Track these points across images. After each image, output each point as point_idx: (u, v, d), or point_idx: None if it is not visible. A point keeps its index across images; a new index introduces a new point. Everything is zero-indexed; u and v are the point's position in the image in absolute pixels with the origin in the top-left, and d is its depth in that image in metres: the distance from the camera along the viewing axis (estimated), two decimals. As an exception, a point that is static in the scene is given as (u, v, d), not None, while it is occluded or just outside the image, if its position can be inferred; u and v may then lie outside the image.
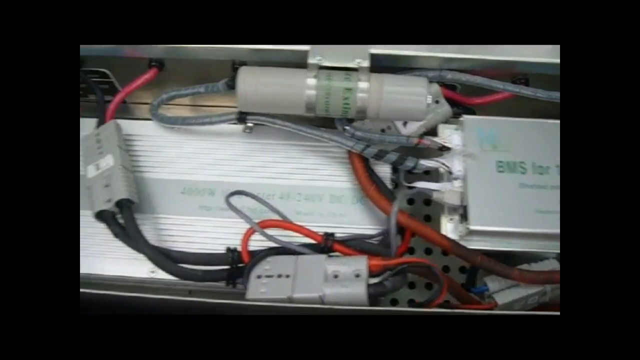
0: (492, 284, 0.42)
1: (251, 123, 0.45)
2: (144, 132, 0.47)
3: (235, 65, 0.45)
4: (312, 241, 0.41)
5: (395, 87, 0.41)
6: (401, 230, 0.43)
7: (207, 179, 0.46)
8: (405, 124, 0.45)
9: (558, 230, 0.39)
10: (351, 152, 0.44)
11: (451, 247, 0.40)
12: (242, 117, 0.44)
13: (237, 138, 0.47)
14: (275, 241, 0.40)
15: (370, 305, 0.38)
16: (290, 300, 0.37)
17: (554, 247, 0.41)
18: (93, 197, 0.42)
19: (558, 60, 0.42)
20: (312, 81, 0.40)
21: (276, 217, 0.43)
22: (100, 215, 0.42)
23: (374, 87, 0.40)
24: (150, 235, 0.43)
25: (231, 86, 0.44)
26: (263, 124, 0.44)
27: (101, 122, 0.46)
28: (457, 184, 0.42)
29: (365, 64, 0.41)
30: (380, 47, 0.42)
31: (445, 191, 0.42)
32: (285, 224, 0.41)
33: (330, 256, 0.40)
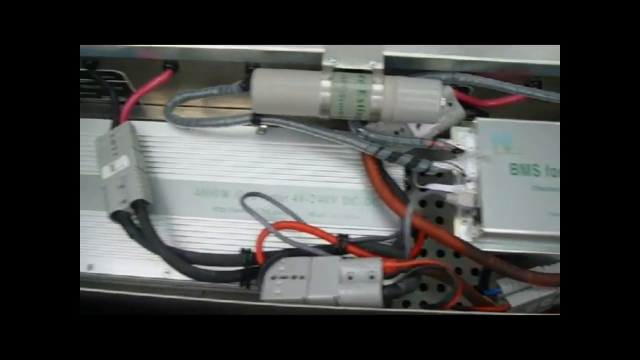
0: (505, 286, 0.42)
1: (265, 125, 0.45)
2: (158, 133, 0.48)
3: (249, 67, 0.45)
4: (326, 242, 0.41)
5: (409, 90, 0.41)
6: (414, 232, 0.43)
7: (220, 180, 0.46)
8: (418, 126, 0.45)
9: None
10: (364, 154, 0.44)
11: (464, 249, 0.41)
12: (256, 119, 0.44)
13: (250, 140, 0.47)
14: (289, 242, 0.41)
15: (384, 307, 0.38)
16: (305, 301, 0.38)
17: (567, 250, 0.41)
18: (108, 198, 0.43)
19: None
20: (326, 83, 0.41)
21: (290, 218, 0.43)
22: (116, 216, 0.42)
23: (388, 90, 0.40)
24: (164, 236, 0.43)
25: (245, 88, 0.44)
26: (277, 126, 0.44)
27: (115, 124, 0.46)
28: (470, 186, 0.42)
29: (379, 66, 0.41)
30: (394, 50, 0.42)
31: (458, 193, 0.42)
32: (300, 225, 0.42)
33: (344, 258, 0.40)
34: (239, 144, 0.47)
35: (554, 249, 0.41)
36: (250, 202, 0.43)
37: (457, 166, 0.42)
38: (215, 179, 0.46)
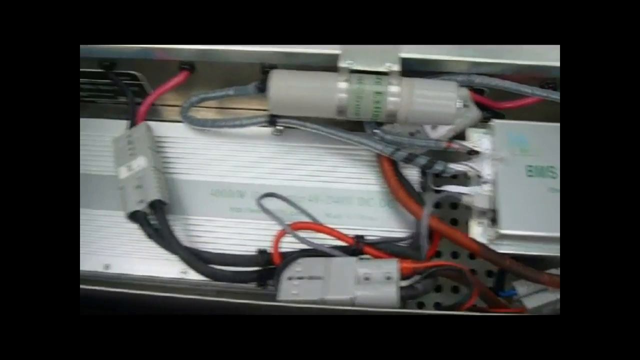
0: (521, 288, 0.42)
1: (281, 126, 0.45)
2: (174, 134, 0.48)
3: (264, 69, 0.45)
4: (343, 243, 0.42)
5: (425, 91, 0.41)
6: (429, 233, 0.43)
7: (236, 180, 0.46)
8: (434, 127, 0.45)
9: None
10: (380, 155, 0.44)
11: (480, 251, 0.41)
12: (272, 120, 0.45)
13: (266, 140, 0.47)
14: (306, 243, 0.41)
15: (400, 308, 0.38)
16: (322, 302, 0.38)
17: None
18: (125, 198, 0.43)
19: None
20: (343, 85, 0.41)
21: (306, 219, 0.44)
22: (134, 216, 0.42)
23: (405, 91, 0.41)
24: (180, 236, 0.43)
25: (261, 89, 0.44)
26: (293, 127, 0.45)
27: (132, 124, 0.47)
28: (486, 187, 0.42)
29: (396, 67, 0.41)
30: (410, 51, 0.43)
31: (474, 195, 0.42)
32: (316, 226, 0.42)
33: (360, 259, 0.40)
34: (255, 144, 0.47)
35: (570, 251, 0.41)
36: (267, 202, 0.43)
37: (473, 168, 0.42)
38: (231, 180, 0.46)
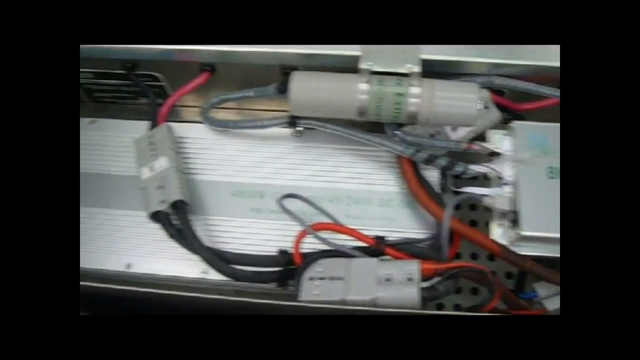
0: (542, 290, 0.42)
1: (301, 127, 0.45)
2: (194, 134, 0.48)
3: (284, 70, 0.45)
4: (363, 244, 0.42)
5: (446, 93, 0.41)
6: (450, 234, 0.43)
7: (257, 181, 0.47)
8: (454, 129, 0.45)
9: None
10: (400, 156, 0.44)
11: (501, 253, 0.41)
12: (292, 121, 0.45)
13: (286, 142, 0.47)
14: (327, 244, 0.41)
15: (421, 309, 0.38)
16: (343, 302, 0.38)
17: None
18: (148, 198, 0.43)
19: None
20: (364, 86, 0.41)
21: (326, 220, 0.44)
22: (156, 216, 0.43)
23: (426, 93, 0.41)
24: (201, 236, 0.43)
25: (282, 90, 0.44)
26: (313, 128, 0.45)
27: (153, 125, 0.47)
28: (507, 189, 0.42)
29: (417, 69, 0.41)
30: (431, 52, 0.43)
31: (495, 196, 0.42)
32: (337, 226, 0.42)
33: (381, 259, 0.40)
34: (275, 145, 0.47)
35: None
36: (287, 203, 0.44)
37: (493, 169, 0.42)
38: (251, 180, 0.47)
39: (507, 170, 0.42)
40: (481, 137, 0.44)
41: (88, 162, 0.48)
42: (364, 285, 0.38)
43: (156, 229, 0.44)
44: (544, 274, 0.40)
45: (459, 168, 0.43)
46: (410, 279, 0.39)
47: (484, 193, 0.42)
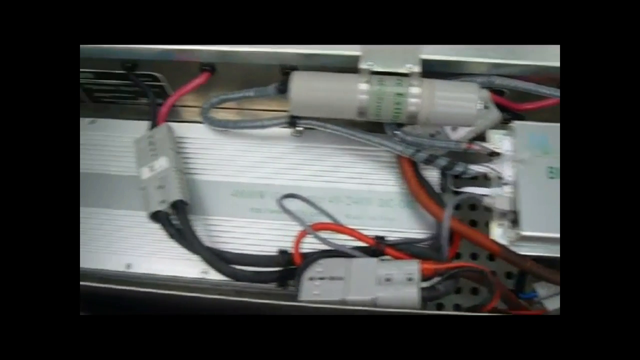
0: (542, 290, 0.42)
1: (301, 127, 0.45)
2: (194, 134, 0.48)
3: (285, 70, 0.45)
4: (363, 244, 0.42)
5: (446, 93, 0.41)
6: (450, 234, 0.43)
7: (256, 181, 0.47)
8: (454, 129, 0.45)
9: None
10: (400, 156, 0.44)
11: (501, 253, 0.41)
12: (292, 121, 0.45)
13: (286, 141, 0.47)
14: (327, 244, 0.41)
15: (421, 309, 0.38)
16: (343, 302, 0.38)
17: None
18: (148, 198, 0.43)
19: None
20: (364, 86, 0.41)
21: (326, 220, 0.44)
22: (156, 216, 0.43)
23: (426, 93, 0.41)
24: (201, 236, 0.43)
25: (282, 90, 0.44)
26: (313, 128, 0.45)
27: (153, 125, 0.47)
28: (507, 189, 0.42)
29: (416, 69, 0.41)
30: (430, 52, 0.43)
31: (495, 196, 0.42)
32: (337, 227, 0.42)
33: (381, 259, 0.40)
34: (275, 145, 0.47)
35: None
36: (287, 203, 0.44)
37: (493, 169, 0.42)
38: (251, 181, 0.47)
39: (507, 170, 0.42)
40: (481, 137, 0.44)
41: (88, 162, 0.48)
42: (364, 285, 0.38)
43: (156, 229, 0.44)
44: (544, 274, 0.40)
45: (459, 168, 0.43)
46: (410, 279, 0.39)
47: (484, 193, 0.42)
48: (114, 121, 0.50)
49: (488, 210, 0.43)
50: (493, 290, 0.39)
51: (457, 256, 0.51)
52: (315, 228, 0.41)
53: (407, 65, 0.42)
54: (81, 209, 0.46)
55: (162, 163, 0.44)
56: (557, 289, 0.42)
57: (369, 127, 0.45)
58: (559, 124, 0.43)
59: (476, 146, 0.43)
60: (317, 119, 0.44)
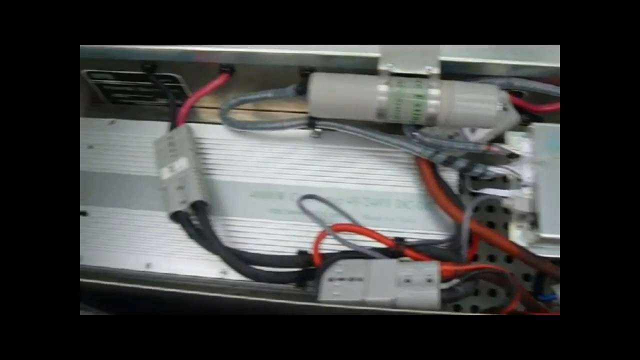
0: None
1: (320, 128, 0.46)
2: (214, 135, 0.48)
3: (303, 72, 0.45)
4: (382, 245, 0.42)
5: (466, 95, 0.41)
6: (469, 236, 0.43)
7: (275, 182, 0.47)
8: (473, 130, 0.45)
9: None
10: (419, 158, 0.44)
11: (521, 254, 0.41)
12: (311, 122, 0.45)
13: (305, 143, 0.48)
14: (347, 245, 0.41)
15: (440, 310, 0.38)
16: (363, 303, 0.38)
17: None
18: (168, 198, 0.44)
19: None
20: (383, 88, 0.41)
21: (345, 221, 0.44)
22: (176, 216, 0.43)
23: (445, 94, 0.41)
24: (220, 236, 0.43)
25: (300, 92, 0.44)
26: (332, 129, 0.45)
27: (173, 126, 0.47)
28: (526, 191, 0.42)
29: (436, 71, 0.42)
30: (450, 54, 0.43)
31: (515, 198, 0.42)
32: (357, 228, 0.42)
33: (401, 261, 0.41)
34: (294, 147, 0.48)
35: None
36: (306, 204, 0.44)
37: (513, 171, 0.42)
38: (270, 181, 0.47)
39: (526, 172, 0.42)
40: (500, 138, 0.44)
41: (107, 163, 0.49)
42: (383, 286, 0.39)
43: (175, 229, 0.44)
44: (564, 276, 0.40)
45: (478, 170, 0.43)
46: (429, 280, 0.39)
47: (503, 195, 0.42)
48: (133, 122, 0.50)
49: (506, 212, 0.43)
50: (513, 292, 0.39)
51: (475, 258, 0.50)
52: (335, 229, 0.41)
53: (427, 67, 0.42)
54: (101, 208, 0.47)
55: (182, 164, 0.45)
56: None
57: (386, 128, 0.45)
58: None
59: (495, 148, 0.43)
60: (336, 120, 0.44)
